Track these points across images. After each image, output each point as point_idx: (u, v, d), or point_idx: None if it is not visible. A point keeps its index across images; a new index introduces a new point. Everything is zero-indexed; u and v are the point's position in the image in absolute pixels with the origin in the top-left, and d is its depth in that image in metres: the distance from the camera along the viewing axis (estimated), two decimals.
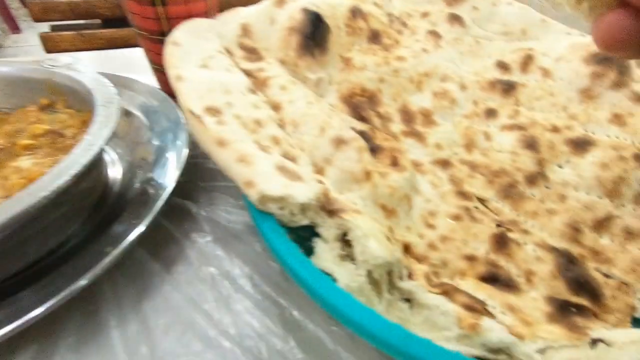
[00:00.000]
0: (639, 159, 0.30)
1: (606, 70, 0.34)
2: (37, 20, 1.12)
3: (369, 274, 0.21)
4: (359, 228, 0.21)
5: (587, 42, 0.37)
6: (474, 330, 0.19)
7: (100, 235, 0.26)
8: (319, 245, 0.22)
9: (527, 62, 0.39)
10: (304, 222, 0.23)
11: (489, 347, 0.19)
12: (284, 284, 0.26)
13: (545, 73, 0.38)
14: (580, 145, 0.32)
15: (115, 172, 0.35)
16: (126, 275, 0.26)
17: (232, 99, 0.27)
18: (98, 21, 1.20)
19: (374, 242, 0.21)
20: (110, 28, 1.12)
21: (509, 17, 0.43)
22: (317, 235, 0.23)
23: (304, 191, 0.22)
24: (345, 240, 0.22)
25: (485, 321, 0.19)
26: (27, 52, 2.09)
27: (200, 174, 0.34)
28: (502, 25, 0.43)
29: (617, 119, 0.33)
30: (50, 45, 1.14)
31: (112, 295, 0.25)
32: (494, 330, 0.19)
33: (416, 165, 0.32)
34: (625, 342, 0.19)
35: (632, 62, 0.34)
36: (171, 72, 0.28)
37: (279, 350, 0.23)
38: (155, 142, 0.34)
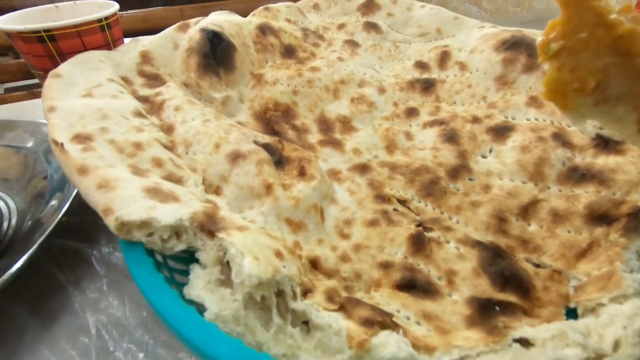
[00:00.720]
0: (557, 137, 0.28)
1: (516, 55, 0.34)
2: None
3: (249, 297, 0.18)
4: (234, 246, 0.19)
5: (496, 32, 0.36)
6: (362, 348, 0.16)
7: None
8: (194, 272, 0.19)
9: (444, 58, 0.39)
10: (180, 246, 0.20)
11: None
12: None
13: (462, 67, 0.37)
14: (501, 131, 0.31)
15: (9, 217, 0.31)
16: None
17: (108, 124, 0.25)
18: None
19: (249, 260, 0.18)
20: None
21: (424, 19, 0.43)
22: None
23: (174, 212, 0.20)
24: (227, 263, 0.19)
25: (379, 336, 0.16)
26: None
27: None
28: (418, 28, 0.43)
29: (534, 101, 0.32)
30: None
31: None
32: (388, 346, 0.16)
33: (334, 173, 0.30)
34: (546, 338, 0.17)
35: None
36: (45, 104, 0.26)
37: None
38: (51, 181, 0.31)
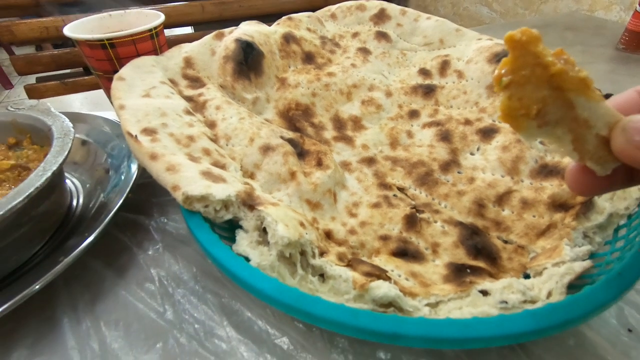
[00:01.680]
0: None
1: None
2: (22, 73, 1.19)
3: (281, 253, 0.24)
4: (270, 216, 0.25)
5: (490, 45, 0.42)
6: (363, 288, 0.22)
7: (58, 249, 0.30)
8: (239, 234, 0.26)
9: (444, 67, 0.44)
10: (228, 216, 0.26)
11: (379, 302, 0.22)
12: (223, 278, 0.29)
13: (460, 75, 0.43)
14: (488, 133, 0.36)
15: (77, 195, 0.38)
16: (82, 283, 0.30)
17: (167, 120, 0.31)
18: (80, 69, 1.27)
19: (281, 226, 0.24)
20: (92, 74, 1.19)
21: (429, 29, 0.48)
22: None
23: (224, 190, 0.26)
24: (263, 229, 0.26)
25: (376, 282, 0.23)
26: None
27: (152, 191, 0.37)
28: (423, 38, 0.48)
29: None
30: (36, 95, 1.21)
31: (68, 301, 0.28)
32: (381, 288, 0.22)
33: (345, 165, 0.36)
34: (498, 288, 0.23)
35: None
36: (115, 102, 0.32)
37: (215, 333, 0.26)
38: (111, 167, 0.38)
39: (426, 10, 1.50)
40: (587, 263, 0.23)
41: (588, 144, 0.17)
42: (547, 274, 0.23)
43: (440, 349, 0.24)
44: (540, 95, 0.16)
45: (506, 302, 0.21)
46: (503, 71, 0.16)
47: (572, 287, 0.22)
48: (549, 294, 0.22)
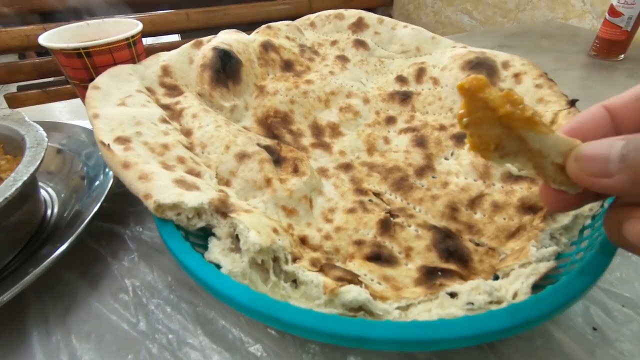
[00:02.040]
0: None
1: (477, 73, 0.40)
2: (2, 82, 1.17)
3: (253, 260, 0.24)
4: (242, 223, 0.25)
5: (463, 53, 0.43)
6: (333, 293, 0.22)
7: (30, 259, 0.29)
8: (212, 242, 0.26)
9: (420, 74, 0.45)
10: (200, 224, 0.26)
11: (349, 307, 0.22)
12: (198, 287, 0.29)
13: (435, 81, 0.44)
14: (461, 138, 0.37)
15: (52, 205, 0.38)
16: (54, 295, 0.29)
17: (142, 129, 0.31)
18: (62, 77, 1.25)
19: (253, 233, 0.24)
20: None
21: (406, 38, 0.49)
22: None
23: (197, 198, 0.26)
24: (236, 237, 0.26)
25: (346, 287, 0.23)
26: None
27: (129, 200, 0.37)
28: (400, 45, 0.49)
29: None
30: (17, 104, 1.19)
31: (39, 313, 0.28)
32: (351, 292, 0.22)
33: (322, 171, 0.37)
34: (466, 290, 0.23)
35: (498, 64, 0.40)
36: (89, 111, 0.32)
37: (188, 342, 0.26)
38: (87, 175, 0.37)
39: (409, 17, 1.53)
40: (551, 263, 0.23)
41: (548, 171, 0.18)
42: (513, 275, 0.24)
43: (410, 352, 0.24)
44: (495, 133, 0.17)
45: (472, 304, 0.22)
46: (462, 112, 0.18)
47: (538, 287, 0.23)
48: (515, 295, 0.22)
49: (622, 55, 0.68)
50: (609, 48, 0.67)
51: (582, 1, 0.87)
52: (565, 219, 0.27)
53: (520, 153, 0.18)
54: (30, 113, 0.54)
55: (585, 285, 0.20)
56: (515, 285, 0.23)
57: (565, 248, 0.26)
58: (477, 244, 0.30)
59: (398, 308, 0.23)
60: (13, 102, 1.17)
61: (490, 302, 0.22)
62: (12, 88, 1.29)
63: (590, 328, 0.25)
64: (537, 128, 0.17)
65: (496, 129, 0.17)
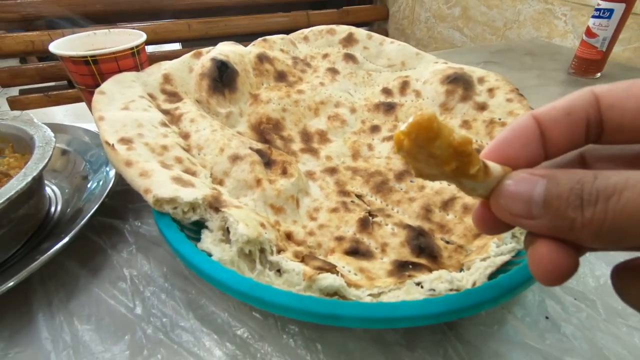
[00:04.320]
0: (477, 152, 0.38)
1: (455, 87, 0.44)
2: (5, 85, 1.20)
3: (241, 250, 0.27)
4: (232, 216, 0.28)
5: (443, 68, 0.46)
6: (311, 279, 0.25)
7: (34, 250, 0.32)
8: (204, 233, 0.28)
9: (404, 86, 0.48)
10: (195, 217, 0.29)
11: (325, 292, 0.25)
12: (191, 276, 0.32)
13: (417, 94, 0.47)
14: None
15: (56, 201, 0.40)
16: (57, 282, 0.31)
17: (143, 131, 0.34)
18: (64, 82, 1.28)
19: (242, 225, 0.27)
20: (75, 88, 1.21)
21: (392, 53, 0.53)
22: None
23: (192, 193, 0.29)
24: (227, 229, 0.29)
25: (323, 274, 0.25)
26: None
27: (129, 197, 0.40)
28: (387, 60, 0.53)
29: (466, 124, 0.41)
30: (19, 107, 1.22)
31: (43, 298, 0.30)
32: (327, 279, 0.25)
33: (310, 174, 0.40)
34: (430, 279, 0.26)
35: (474, 79, 0.44)
36: (95, 114, 0.35)
37: (180, 325, 0.28)
38: (90, 174, 0.40)
39: (404, 32, 1.58)
40: (506, 257, 0.26)
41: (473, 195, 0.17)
42: (474, 268, 0.27)
43: (382, 336, 0.27)
44: (430, 171, 0.16)
45: (434, 290, 0.24)
46: (400, 152, 0.16)
47: (494, 277, 0.25)
48: (474, 284, 0.25)
49: (599, 74, 0.72)
50: (587, 67, 0.71)
51: (565, 22, 0.92)
52: None
53: (440, 177, 0.17)
54: (35, 116, 0.57)
55: (530, 276, 0.23)
56: (474, 276, 0.26)
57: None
58: (447, 242, 0.32)
59: (370, 295, 0.26)
60: (16, 104, 1.20)
61: (450, 290, 0.25)
62: (14, 91, 1.32)
63: (544, 317, 0.28)
64: (476, 179, 0.16)
65: (433, 169, 0.16)
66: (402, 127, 0.15)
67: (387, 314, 0.21)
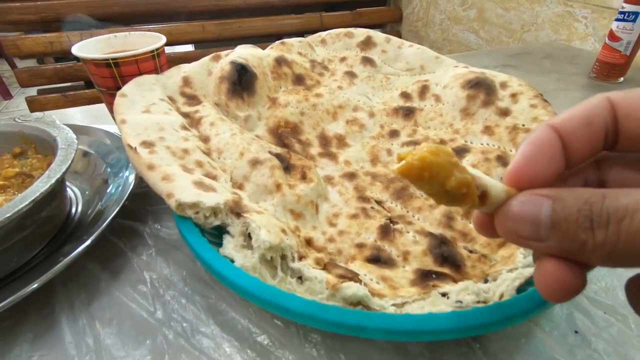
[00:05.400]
0: (500, 159, 0.37)
1: (477, 92, 0.43)
2: (24, 85, 1.22)
3: (263, 256, 0.27)
4: (254, 222, 0.28)
5: (464, 72, 0.45)
6: (334, 288, 0.24)
7: (57, 252, 0.32)
8: (226, 239, 0.28)
9: (423, 91, 0.48)
10: (216, 222, 0.29)
11: (348, 301, 0.24)
12: (211, 281, 0.32)
13: (437, 99, 0.46)
14: (460, 152, 0.40)
15: (76, 203, 0.41)
16: (79, 284, 0.32)
17: (164, 134, 0.34)
18: (81, 82, 1.30)
19: (264, 231, 0.27)
20: (92, 88, 1.23)
21: (411, 56, 0.52)
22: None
23: (213, 198, 0.29)
24: (248, 235, 0.28)
25: (347, 283, 0.25)
26: None
27: (148, 200, 0.40)
28: (406, 63, 0.52)
29: (488, 130, 0.41)
30: (37, 107, 1.24)
31: (65, 300, 0.30)
32: (351, 288, 0.24)
33: (328, 179, 0.39)
34: (456, 290, 0.25)
35: (496, 84, 0.43)
36: (117, 117, 0.35)
37: (201, 331, 0.28)
38: (110, 177, 0.40)
39: (418, 34, 1.57)
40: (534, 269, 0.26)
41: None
42: (500, 279, 0.26)
43: (405, 347, 0.26)
44: (432, 191, 0.16)
45: (461, 302, 0.24)
46: (400, 168, 0.15)
47: (522, 290, 0.25)
48: (501, 296, 0.25)
49: (622, 78, 0.70)
50: (609, 71, 0.70)
51: (585, 24, 0.90)
52: None
53: (437, 198, 0.17)
54: (55, 117, 0.57)
55: None
56: (502, 288, 0.25)
57: None
58: (470, 251, 0.32)
59: (394, 305, 0.25)
60: (34, 104, 1.22)
61: (478, 302, 0.24)
62: (31, 91, 1.34)
63: (572, 331, 0.27)
64: (473, 207, 0.16)
65: (435, 190, 0.16)
66: (395, 166, 0.16)
67: (415, 326, 0.21)
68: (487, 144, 0.40)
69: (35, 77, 1.22)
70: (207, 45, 1.44)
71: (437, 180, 0.15)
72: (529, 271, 0.25)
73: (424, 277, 0.29)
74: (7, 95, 2.49)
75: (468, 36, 1.24)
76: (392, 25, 1.65)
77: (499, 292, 0.25)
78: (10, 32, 1.26)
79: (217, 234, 0.30)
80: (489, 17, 1.15)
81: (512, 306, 0.22)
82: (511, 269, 0.27)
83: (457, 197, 0.16)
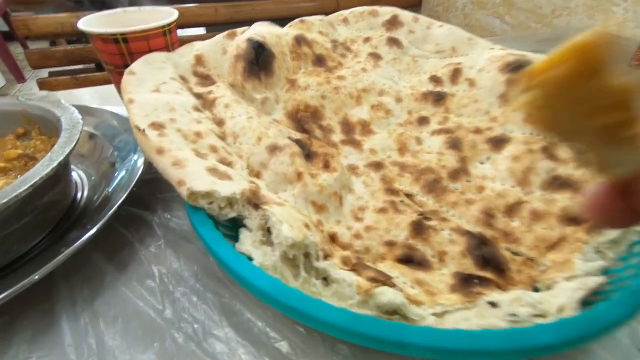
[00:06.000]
0: (546, 150, 0.33)
1: (517, 76, 0.39)
2: (35, 67, 1.20)
3: (284, 254, 0.24)
4: (275, 215, 0.24)
5: (502, 54, 0.41)
6: (367, 294, 0.21)
7: (60, 241, 0.29)
8: (243, 233, 0.25)
9: (455, 75, 0.44)
10: (232, 214, 0.26)
11: (383, 309, 0.21)
12: (224, 277, 0.29)
13: (471, 83, 0.42)
14: (498, 142, 0.36)
15: (82, 188, 0.38)
16: (82, 277, 0.29)
17: (175, 116, 0.31)
18: (92, 65, 1.28)
19: (286, 227, 0.24)
20: (103, 71, 1.20)
21: (441, 37, 0.48)
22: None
23: (229, 187, 0.26)
24: (267, 229, 0.25)
25: (381, 288, 0.22)
26: None
27: (157, 186, 0.37)
28: (435, 45, 0.48)
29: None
30: (47, 88, 1.22)
31: (67, 295, 0.28)
32: (386, 294, 0.21)
33: (352, 168, 0.36)
34: (507, 300, 0.22)
35: None
36: (125, 96, 0.32)
37: (213, 334, 0.25)
38: (117, 161, 0.37)
39: (438, 19, 1.50)
40: (601, 279, 0.22)
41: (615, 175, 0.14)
42: (558, 288, 0.23)
43: None
44: (567, 126, 0.12)
45: (515, 315, 0.20)
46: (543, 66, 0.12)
47: (585, 303, 0.21)
48: (561, 309, 0.21)
49: None
50: None
51: (624, 9, 0.83)
52: (612, 232, 0.25)
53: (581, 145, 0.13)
54: (62, 97, 0.55)
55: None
56: (561, 299, 0.22)
57: (613, 263, 0.24)
58: (515, 253, 0.28)
59: (433, 314, 0.22)
60: (44, 86, 1.20)
61: (535, 315, 0.21)
62: (44, 73, 1.32)
63: (637, 349, 0.23)
64: (632, 146, 0.12)
65: (574, 122, 0.12)
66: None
67: (468, 345, 0.17)
68: (531, 134, 0.36)
69: (46, 58, 1.20)
70: (218, 28, 1.40)
71: (606, 76, 0.11)
72: (593, 281, 0.22)
73: (466, 282, 0.25)
74: (21, 79, 2.49)
75: (492, 21, 1.18)
76: (412, 9, 1.58)
77: (557, 305, 0.21)
78: (21, 12, 1.23)
79: (232, 227, 0.27)
80: (516, 0, 1.09)
81: (583, 325, 0.18)
82: (569, 276, 0.23)
83: (624, 112, 0.11)
